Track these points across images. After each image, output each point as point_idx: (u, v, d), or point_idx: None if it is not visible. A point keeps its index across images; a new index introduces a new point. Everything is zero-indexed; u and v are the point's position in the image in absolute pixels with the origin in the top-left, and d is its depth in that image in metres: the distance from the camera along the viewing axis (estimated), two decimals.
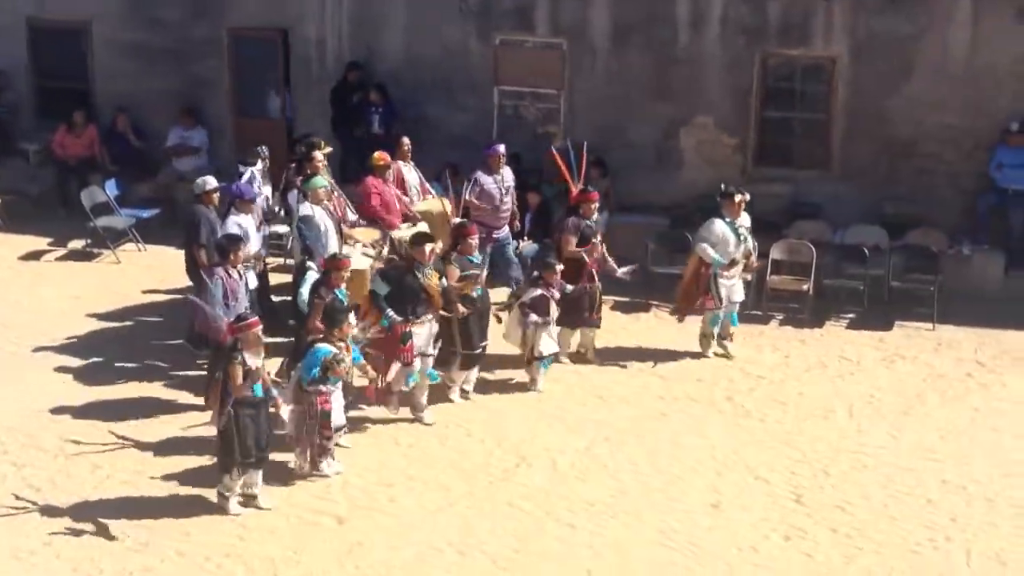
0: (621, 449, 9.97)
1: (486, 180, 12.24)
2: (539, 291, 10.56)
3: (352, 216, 11.86)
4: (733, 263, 11.19)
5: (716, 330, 11.42)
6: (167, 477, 9.45)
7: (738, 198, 11.20)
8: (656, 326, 12.37)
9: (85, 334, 12.03)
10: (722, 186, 11.48)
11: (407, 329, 9.79)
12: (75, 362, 11.41)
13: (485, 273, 10.76)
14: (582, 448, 9.99)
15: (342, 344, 9.16)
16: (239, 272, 10.19)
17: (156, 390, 10.92)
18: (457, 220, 11.12)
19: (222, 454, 8.82)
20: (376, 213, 11.82)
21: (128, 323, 12.43)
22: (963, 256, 13.00)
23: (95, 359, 11.47)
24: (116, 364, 11.38)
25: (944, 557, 8.49)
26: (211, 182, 11.65)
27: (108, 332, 12.17)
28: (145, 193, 15.45)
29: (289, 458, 9.38)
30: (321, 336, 9.20)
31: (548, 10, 14.25)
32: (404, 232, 11.65)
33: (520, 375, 11.02)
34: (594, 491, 9.36)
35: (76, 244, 14.53)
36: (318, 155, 11.84)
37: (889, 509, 9.09)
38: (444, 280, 10.12)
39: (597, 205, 11.35)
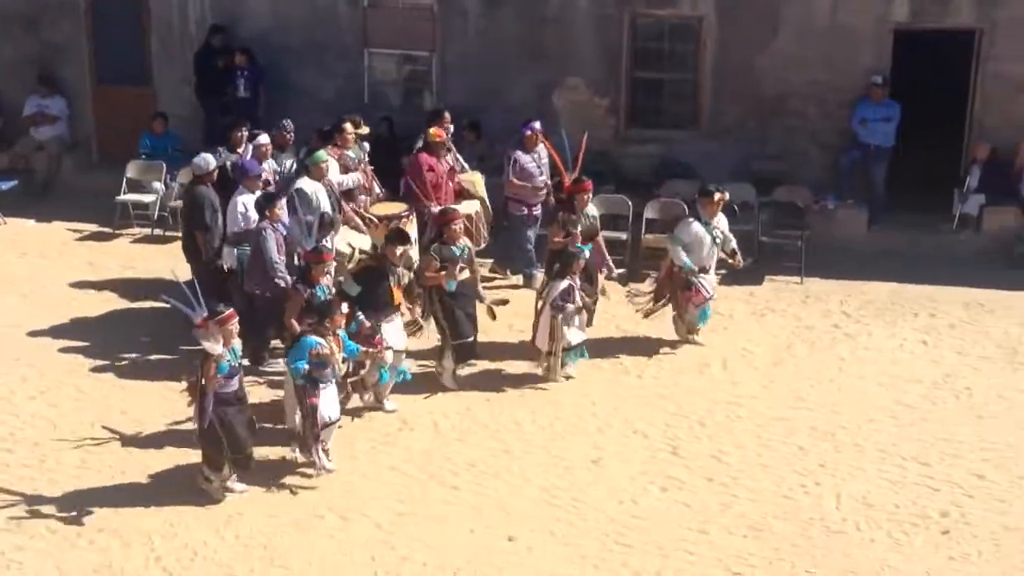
0: (503, 409, 10.01)
1: (524, 158, 12.03)
2: (565, 282, 10.20)
3: (378, 190, 11.69)
4: (703, 271, 10.71)
5: (702, 325, 11.03)
6: (34, 456, 9.19)
7: (716, 196, 10.67)
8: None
9: None
10: (701, 186, 11.13)
11: (374, 330, 9.53)
12: None
13: (469, 264, 10.33)
14: (463, 409, 10.00)
15: (331, 337, 8.80)
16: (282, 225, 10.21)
17: (23, 368, 10.58)
18: (438, 208, 10.91)
19: (209, 451, 8.56)
20: (424, 190, 11.50)
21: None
22: (828, 211, 13.36)
23: None
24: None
25: (815, 501, 8.75)
26: (212, 162, 11.16)
27: None
28: (2, 164, 14.89)
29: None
30: (310, 328, 8.85)
31: None
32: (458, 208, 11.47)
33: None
34: (476, 452, 9.39)
35: None
36: (348, 127, 11.60)
37: (762, 457, 9.33)
38: (412, 275, 9.99)
39: (590, 196, 10.89)
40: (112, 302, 12.07)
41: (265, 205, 10.25)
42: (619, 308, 11.53)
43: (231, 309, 8.52)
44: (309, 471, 8.98)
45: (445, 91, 14.28)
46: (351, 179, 11.47)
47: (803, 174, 13.50)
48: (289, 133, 11.94)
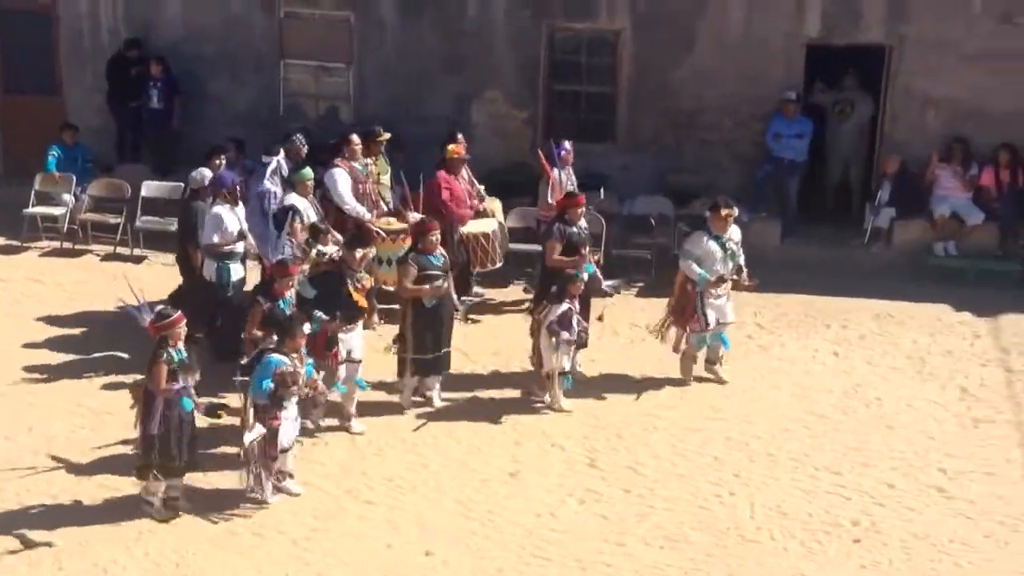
0: (420, 424, 9.94)
1: (561, 178, 11.98)
2: (565, 306, 9.90)
3: (384, 206, 11.61)
4: (720, 280, 10.43)
5: (702, 354, 10.66)
6: None
7: (725, 211, 10.37)
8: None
9: None
10: (712, 200, 10.74)
11: (333, 333, 9.32)
12: None
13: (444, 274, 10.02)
14: (380, 424, 9.90)
15: (295, 356, 8.57)
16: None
17: None
18: (418, 216, 10.79)
19: (141, 457, 8.35)
20: (444, 208, 11.40)
21: None
22: (742, 223, 13.47)
23: None
24: None
25: (730, 511, 8.82)
26: (208, 175, 11.07)
27: None
28: None
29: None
30: (272, 347, 8.64)
31: None
32: (473, 227, 11.58)
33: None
34: (393, 466, 9.31)
35: None
36: (355, 139, 11.47)
37: (678, 467, 9.38)
38: (373, 278, 9.95)
39: (583, 209, 10.66)
40: (20, 317, 11.78)
41: (283, 220, 10.15)
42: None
43: (178, 312, 8.38)
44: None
45: (362, 103, 14.22)
46: (359, 212, 11.35)
47: (718, 187, 13.63)
48: (303, 146, 11.69)
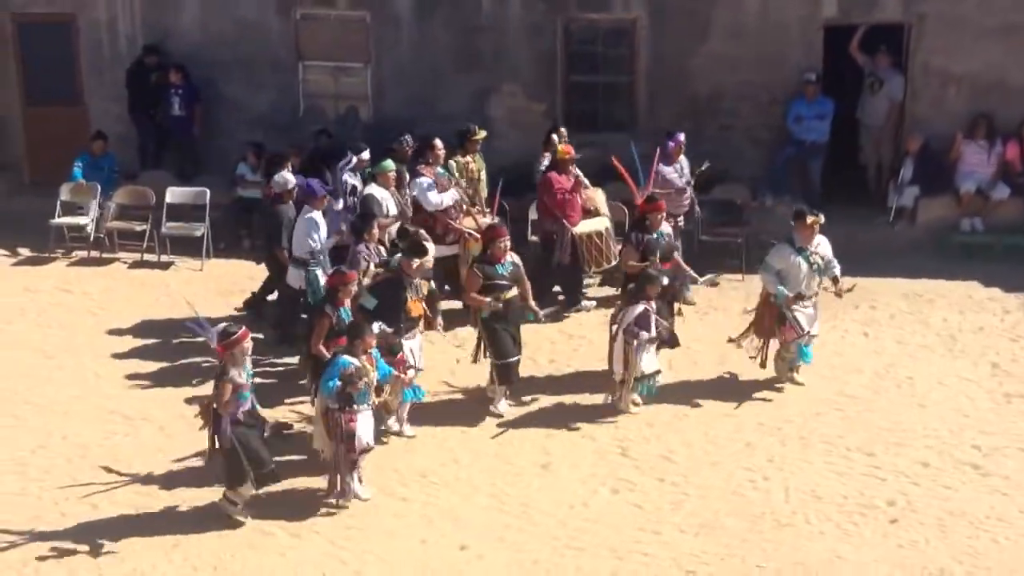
0: (450, 418, 9.94)
1: (666, 170, 12.03)
2: (641, 306, 9.77)
3: (467, 202, 11.64)
4: (799, 297, 9.95)
5: (802, 362, 10.28)
6: None
7: (810, 219, 9.83)
8: None
9: None
10: (795, 208, 10.41)
11: (397, 341, 9.28)
12: None
13: (518, 282, 9.95)
14: (410, 420, 9.92)
15: (365, 357, 8.61)
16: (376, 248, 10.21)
17: None
18: (488, 222, 10.78)
19: (229, 471, 8.42)
20: (558, 208, 11.53)
21: None
22: (765, 208, 13.46)
23: None
24: None
25: (764, 496, 8.81)
26: (291, 180, 11.21)
27: None
28: None
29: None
30: (342, 349, 8.70)
31: None
32: (585, 227, 11.60)
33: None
34: (425, 462, 9.35)
35: None
36: (438, 143, 11.54)
37: (710, 455, 9.38)
38: (433, 284, 9.93)
39: (663, 215, 10.50)
40: (49, 327, 11.88)
41: (362, 227, 10.21)
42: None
43: (243, 329, 8.42)
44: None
45: (381, 102, 14.24)
46: (449, 197, 11.43)
47: (739, 172, 13.61)
48: (409, 148, 11.75)
